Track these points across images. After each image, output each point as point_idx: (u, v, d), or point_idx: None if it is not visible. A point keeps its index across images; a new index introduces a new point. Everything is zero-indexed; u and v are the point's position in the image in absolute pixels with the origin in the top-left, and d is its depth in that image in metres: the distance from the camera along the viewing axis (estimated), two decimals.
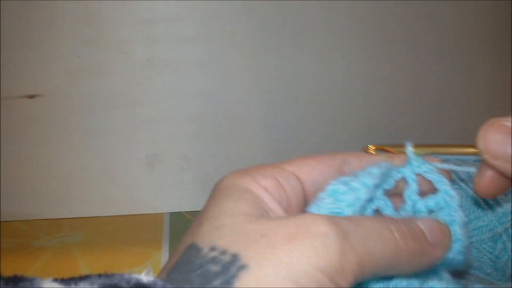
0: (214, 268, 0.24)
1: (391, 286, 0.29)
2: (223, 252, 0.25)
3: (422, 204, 0.32)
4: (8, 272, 0.23)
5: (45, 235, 0.62)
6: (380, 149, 0.34)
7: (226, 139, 0.65)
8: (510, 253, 0.41)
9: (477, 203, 0.42)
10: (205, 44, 0.62)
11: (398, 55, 0.65)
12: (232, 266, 0.24)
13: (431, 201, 0.32)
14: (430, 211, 0.32)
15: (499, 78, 0.67)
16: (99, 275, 0.24)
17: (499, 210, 0.42)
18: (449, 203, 0.31)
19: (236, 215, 0.26)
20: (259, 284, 0.23)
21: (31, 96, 0.61)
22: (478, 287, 0.28)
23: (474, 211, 0.42)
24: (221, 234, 0.26)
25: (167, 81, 0.63)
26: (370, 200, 0.31)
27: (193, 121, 0.64)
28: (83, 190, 0.65)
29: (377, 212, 0.32)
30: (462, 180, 0.44)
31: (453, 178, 0.45)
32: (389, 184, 0.32)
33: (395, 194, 0.33)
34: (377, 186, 0.31)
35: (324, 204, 0.29)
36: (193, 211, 0.66)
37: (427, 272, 0.30)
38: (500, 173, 0.28)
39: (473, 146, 0.29)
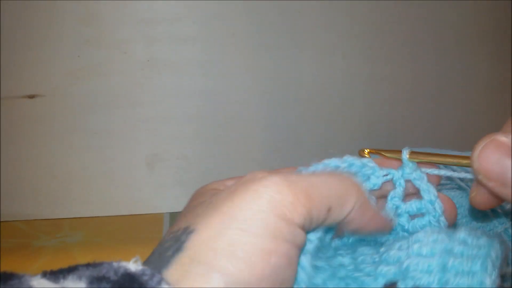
0: (168, 243, 0.25)
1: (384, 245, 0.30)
2: (178, 229, 0.26)
3: (404, 209, 0.32)
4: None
5: (45, 235, 0.62)
6: (375, 153, 0.34)
7: (226, 139, 0.65)
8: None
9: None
10: (205, 44, 0.62)
11: (398, 55, 0.65)
12: (182, 235, 0.25)
13: (413, 206, 0.32)
14: (412, 216, 0.32)
15: (499, 78, 0.67)
16: (87, 265, 0.24)
17: (499, 210, 0.42)
18: (432, 213, 0.31)
19: (201, 204, 0.28)
20: (206, 241, 0.24)
21: (31, 96, 0.61)
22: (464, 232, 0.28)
23: (473, 211, 0.42)
24: (182, 219, 0.27)
25: (167, 81, 0.63)
26: None
27: (193, 121, 0.64)
28: (83, 190, 0.65)
29: None
30: (462, 179, 0.44)
31: (453, 178, 0.45)
32: (376, 184, 0.32)
33: (382, 196, 0.33)
34: (339, 168, 0.31)
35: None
36: None
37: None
38: (495, 195, 0.27)
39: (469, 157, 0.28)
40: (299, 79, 0.64)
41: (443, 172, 0.32)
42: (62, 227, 0.63)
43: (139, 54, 0.61)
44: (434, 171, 0.32)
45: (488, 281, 0.25)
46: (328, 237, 0.30)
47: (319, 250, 0.28)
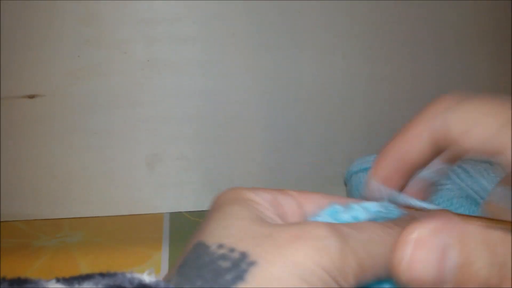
0: (225, 264, 0.25)
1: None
2: (231, 250, 0.25)
3: None
4: (8, 272, 0.23)
5: (45, 235, 0.62)
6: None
7: (226, 139, 0.65)
8: None
9: (476, 203, 0.42)
10: (205, 44, 0.62)
11: (398, 55, 0.65)
12: (242, 262, 0.25)
13: None
14: None
15: (499, 78, 0.67)
16: (102, 275, 0.24)
17: None
18: None
19: (242, 218, 0.28)
20: (269, 279, 0.24)
21: (31, 96, 0.61)
22: None
23: (474, 211, 0.42)
24: (228, 233, 0.27)
25: (167, 81, 0.63)
26: None
27: (193, 121, 0.64)
28: (83, 190, 0.65)
29: None
30: (462, 179, 0.44)
31: (452, 178, 0.45)
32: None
33: None
34: (382, 216, 0.30)
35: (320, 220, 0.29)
36: (193, 211, 0.66)
37: None
38: None
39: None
40: (299, 79, 0.64)
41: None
42: (62, 227, 0.63)
43: (139, 54, 0.61)
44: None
45: None
46: None
47: None
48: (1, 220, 0.64)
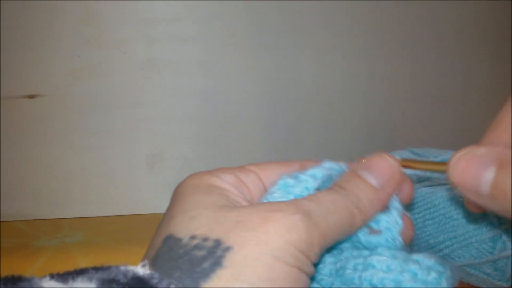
0: (200, 253, 0.26)
1: (344, 256, 0.31)
2: (205, 239, 0.26)
3: None
4: (8, 272, 0.23)
5: (45, 235, 0.62)
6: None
7: (226, 139, 0.65)
8: (510, 252, 0.41)
9: None
10: (205, 44, 0.62)
11: (398, 55, 0.65)
12: (217, 249, 0.26)
13: (375, 219, 0.32)
14: (371, 230, 0.32)
15: (499, 78, 0.67)
16: (96, 269, 0.24)
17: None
18: (390, 231, 0.31)
19: (208, 206, 0.28)
20: (246, 261, 0.25)
21: (31, 96, 0.61)
22: (421, 255, 0.29)
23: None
24: (197, 224, 0.27)
25: (167, 81, 0.63)
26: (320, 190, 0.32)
27: (193, 121, 0.64)
28: (83, 190, 0.65)
29: None
30: None
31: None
32: None
33: None
34: (329, 177, 0.32)
35: (273, 199, 0.31)
36: None
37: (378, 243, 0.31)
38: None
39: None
40: (299, 79, 0.64)
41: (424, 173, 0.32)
42: (62, 227, 0.63)
43: (139, 54, 0.61)
44: (413, 172, 0.32)
45: None
46: None
47: None
48: (1, 220, 0.64)
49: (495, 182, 0.26)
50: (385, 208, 0.31)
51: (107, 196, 0.65)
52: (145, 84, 0.62)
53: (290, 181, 0.32)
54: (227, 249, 0.25)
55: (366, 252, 0.30)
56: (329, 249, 0.31)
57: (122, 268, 0.24)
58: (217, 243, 0.26)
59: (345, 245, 0.32)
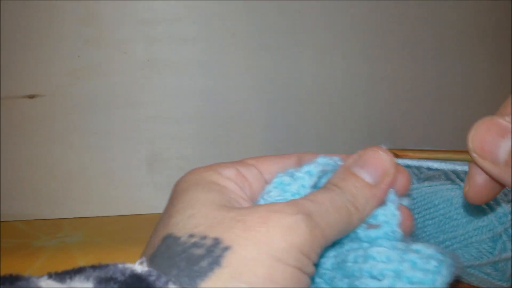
0: (198, 251, 0.25)
1: (345, 249, 0.31)
2: (203, 237, 0.26)
3: None
4: (8, 272, 0.23)
5: (45, 235, 0.62)
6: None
7: (226, 139, 0.65)
8: (510, 253, 0.41)
9: None
10: (205, 44, 0.62)
11: (398, 55, 0.65)
12: (215, 248, 0.25)
13: (373, 214, 0.31)
14: (369, 225, 0.32)
15: (499, 78, 0.67)
16: (93, 267, 0.24)
17: (499, 210, 0.42)
18: (389, 223, 0.31)
19: (208, 204, 0.28)
20: (244, 261, 0.25)
21: (31, 96, 0.61)
22: (421, 244, 0.29)
23: (474, 211, 0.42)
24: (196, 222, 0.27)
25: (167, 81, 0.63)
26: (316, 187, 0.32)
27: (193, 121, 0.64)
28: (83, 190, 0.65)
29: None
30: (462, 180, 0.44)
31: (452, 178, 0.45)
32: None
33: None
34: (324, 173, 0.32)
35: (270, 198, 0.31)
36: None
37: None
38: (488, 174, 0.28)
39: (460, 151, 0.29)
40: (299, 79, 0.64)
41: (430, 164, 0.32)
42: (62, 227, 0.63)
43: (139, 54, 0.61)
44: (422, 163, 0.32)
45: None
46: None
47: None
48: (1, 220, 0.64)
49: None
50: (382, 203, 0.31)
51: (107, 196, 0.65)
52: (145, 84, 0.62)
53: (286, 179, 0.32)
54: (226, 248, 0.25)
55: (366, 244, 0.30)
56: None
57: (120, 266, 0.24)
58: (216, 241, 0.26)
59: (346, 239, 0.31)
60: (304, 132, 0.66)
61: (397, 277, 0.28)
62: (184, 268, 0.25)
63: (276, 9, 0.61)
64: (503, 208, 0.42)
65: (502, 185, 0.29)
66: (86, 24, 0.60)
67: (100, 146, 0.64)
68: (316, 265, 0.28)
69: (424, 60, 0.65)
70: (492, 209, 0.42)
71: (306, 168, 0.32)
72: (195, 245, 0.26)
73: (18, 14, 0.58)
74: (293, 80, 0.64)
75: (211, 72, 0.63)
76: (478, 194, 0.30)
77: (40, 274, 0.24)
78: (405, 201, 0.33)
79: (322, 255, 0.30)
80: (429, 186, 0.46)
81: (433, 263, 0.28)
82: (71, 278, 0.23)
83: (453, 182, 0.45)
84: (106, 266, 0.24)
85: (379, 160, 0.31)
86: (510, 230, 0.41)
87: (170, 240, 0.27)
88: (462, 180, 0.44)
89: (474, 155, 0.27)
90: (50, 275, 0.24)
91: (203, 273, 0.24)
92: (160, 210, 0.32)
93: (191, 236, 0.26)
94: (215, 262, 0.25)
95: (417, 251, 0.29)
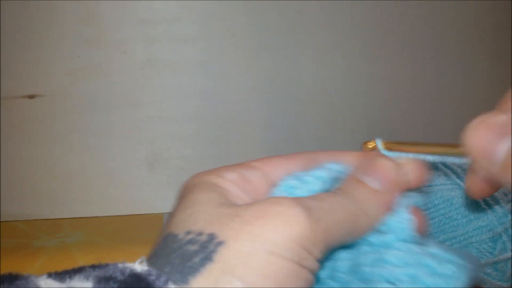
0: (192, 247, 0.25)
1: (361, 253, 0.30)
2: (199, 234, 0.26)
3: None
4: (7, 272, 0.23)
5: (45, 235, 0.62)
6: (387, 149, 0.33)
7: (226, 139, 0.65)
8: (510, 253, 0.41)
9: (477, 203, 0.42)
10: (205, 44, 0.62)
11: (398, 55, 0.65)
12: (209, 243, 0.25)
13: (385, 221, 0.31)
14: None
15: (499, 78, 0.67)
16: (93, 267, 0.24)
17: (499, 210, 0.42)
18: (401, 229, 0.30)
19: (207, 203, 0.28)
20: (238, 256, 0.25)
21: (31, 96, 0.61)
22: (439, 248, 0.28)
23: (474, 211, 0.42)
24: (195, 219, 0.27)
25: (167, 81, 0.63)
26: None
27: (193, 121, 0.64)
28: (83, 190, 0.65)
29: None
30: (462, 179, 0.44)
31: (452, 177, 0.45)
32: None
33: None
34: (334, 179, 0.31)
35: None
36: None
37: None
38: (486, 175, 0.27)
39: (458, 145, 0.28)
40: (299, 79, 0.64)
41: (429, 157, 0.31)
42: (62, 227, 0.63)
43: (139, 54, 0.61)
44: (418, 156, 0.31)
45: None
46: None
47: None
48: (1, 220, 0.64)
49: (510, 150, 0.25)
50: (391, 209, 0.31)
51: (107, 196, 0.65)
52: (145, 84, 0.62)
53: (294, 182, 0.31)
54: (220, 243, 0.25)
55: (382, 249, 0.30)
56: (345, 246, 0.30)
57: (120, 265, 0.24)
58: (211, 237, 0.25)
59: (362, 244, 0.31)
60: (304, 132, 0.66)
61: (413, 282, 0.27)
62: (178, 265, 0.25)
63: (276, 9, 0.61)
64: (503, 208, 0.42)
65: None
66: (86, 24, 0.60)
67: (100, 146, 0.64)
68: (322, 263, 0.27)
69: (424, 60, 0.65)
70: (492, 209, 0.42)
71: (316, 172, 0.31)
72: (190, 241, 0.25)
73: (18, 14, 0.58)
74: (293, 80, 0.64)
75: (211, 72, 0.63)
76: (480, 189, 0.29)
77: (40, 274, 0.24)
78: (417, 200, 0.32)
79: (337, 258, 0.29)
80: (429, 186, 0.46)
81: (452, 268, 0.27)
82: (70, 277, 0.23)
83: (453, 182, 0.45)
84: (106, 265, 0.24)
85: (387, 167, 0.31)
86: (510, 230, 0.41)
87: (169, 238, 0.27)
88: (462, 180, 0.43)
89: (471, 155, 0.27)
90: (50, 275, 0.24)
91: (195, 269, 0.24)
92: (160, 210, 0.32)
93: (188, 233, 0.26)
94: (207, 258, 0.24)
95: (435, 255, 0.28)
